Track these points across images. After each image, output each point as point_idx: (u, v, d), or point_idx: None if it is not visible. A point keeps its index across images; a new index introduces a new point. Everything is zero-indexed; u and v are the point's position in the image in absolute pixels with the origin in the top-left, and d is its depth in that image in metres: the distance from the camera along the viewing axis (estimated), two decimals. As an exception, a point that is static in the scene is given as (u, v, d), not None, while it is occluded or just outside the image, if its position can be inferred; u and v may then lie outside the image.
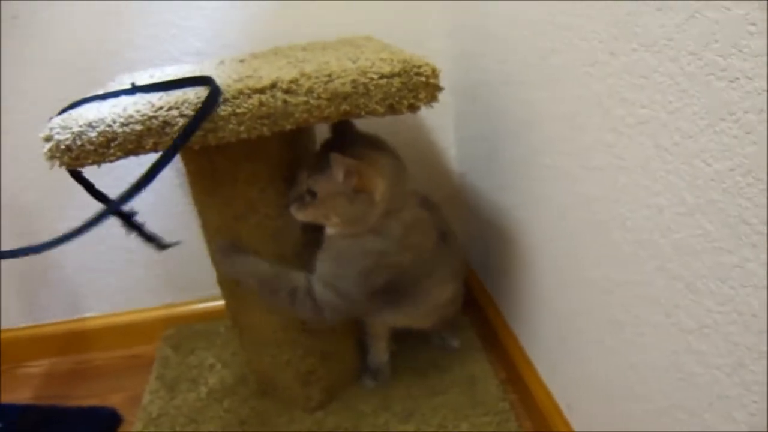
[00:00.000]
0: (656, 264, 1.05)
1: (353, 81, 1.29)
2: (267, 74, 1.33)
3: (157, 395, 2.05)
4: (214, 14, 1.98)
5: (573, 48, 1.21)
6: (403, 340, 2.02)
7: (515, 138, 1.64)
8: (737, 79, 0.78)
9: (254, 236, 1.61)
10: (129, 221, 1.62)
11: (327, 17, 2.00)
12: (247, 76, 1.34)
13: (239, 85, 1.28)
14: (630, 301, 1.17)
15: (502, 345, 1.96)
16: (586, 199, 1.26)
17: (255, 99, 1.26)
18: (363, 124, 1.56)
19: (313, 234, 1.63)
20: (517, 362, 1.85)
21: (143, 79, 1.53)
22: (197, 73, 1.40)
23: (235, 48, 1.99)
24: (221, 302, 2.18)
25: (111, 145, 1.26)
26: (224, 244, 1.67)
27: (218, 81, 1.30)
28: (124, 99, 1.37)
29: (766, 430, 0.87)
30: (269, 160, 1.54)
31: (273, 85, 1.27)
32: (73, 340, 2.42)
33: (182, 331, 2.40)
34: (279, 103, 1.27)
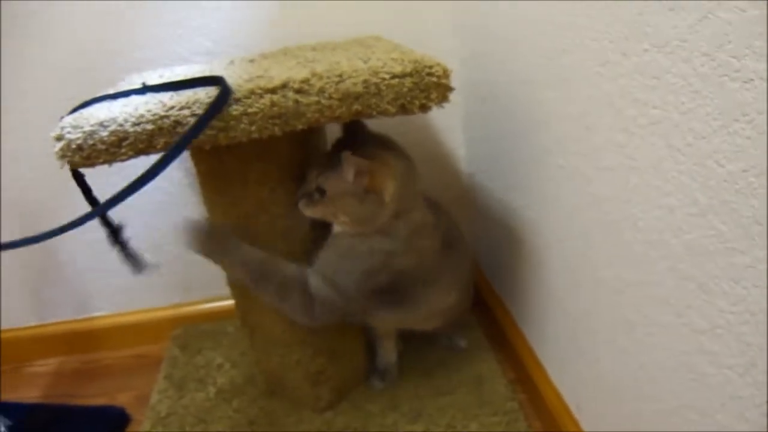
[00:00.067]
0: (668, 264, 1.05)
1: (365, 81, 1.29)
2: (278, 74, 1.33)
3: (165, 395, 2.05)
4: (223, 14, 1.99)
5: (584, 48, 1.21)
6: (410, 340, 2.02)
7: (525, 138, 1.64)
8: (751, 80, 0.78)
9: (264, 236, 1.60)
10: (115, 234, 1.61)
11: (335, 17, 2.01)
12: (258, 76, 1.34)
13: (250, 85, 1.28)
14: (641, 302, 1.17)
15: (511, 345, 1.96)
16: (597, 199, 1.27)
17: (266, 99, 1.26)
18: (372, 124, 1.56)
19: (321, 231, 1.63)
20: (526, 362, 1.85)
21: (153, 79, 1.53)
22: (207, 73, 1.40)
23: (244, 48, 2.00)
24: (229, 302, 2.19)
25: (122, 145, 1.26)
26: (217, 226, 1.65)
27: (229, 81, 1.30)
28: (135, 98, 1.37)
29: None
30: (280, 160, 1.54)
31: (284, 85, 1.27)
32: (81, 340, 2.42)
33: (190, 331, 2.40)
34: (290, 103, 1.27)
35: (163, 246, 2.29)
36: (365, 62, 1.35)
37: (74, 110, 1.37)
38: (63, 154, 1.28)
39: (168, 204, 2.24)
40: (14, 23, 1.92)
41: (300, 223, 1.60)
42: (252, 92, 1.27)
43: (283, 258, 1.59)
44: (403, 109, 1.33)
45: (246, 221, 1.59)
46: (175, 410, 1.98)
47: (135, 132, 1.25)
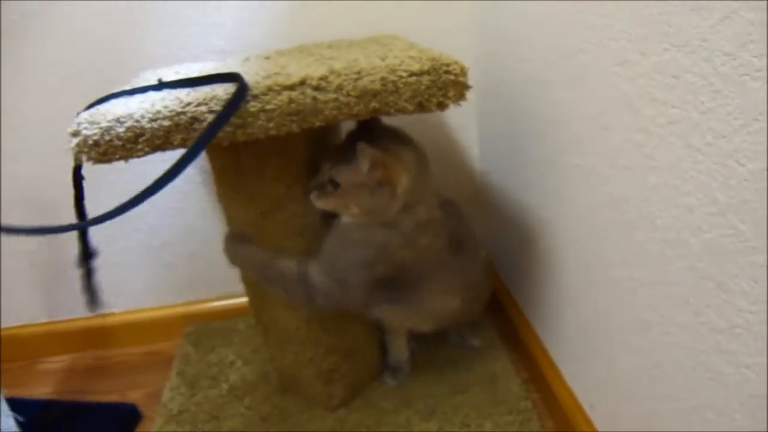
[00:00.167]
0: (685, 263, 1.05)
1: (383, 78, 1.29)
2: (295, 71, 1.33)
3: (177, 392, 2.06)
4: (236, 12, 1.99)
5: (601, 48, 1.21)
6: (423, 338, 2.01)
7: (540, 137, 1.64)
8: (773, 79, 0.79)
9: (280, 232, 1.61)
10: (86, 257, 1.61)
11: (349, 16, 2.01)
12: (276, 73, 1.34)
13: (268, 82, 1.28)
14: (657, 301, 1.16)
15: (524, 344, 1.96)
16: (614, 198, 1.26)
17: (284, 96, 1.26)
18: (386, 119, 1.56)
19: (328, 223, 1.64)
20: (539, 362, 1.85)
21: (169, 76, 1.53)
22: (223, 70, 1.40)
23: (258, 46, 1.99)
24: (241, 300, 2.19)
25: (139, 141, 1.27)
26: (233, 234, 1.70)
27: (246, 78, 1.30)
28: (152, 95, 1.37)
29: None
30: (296, 157, 1.55)
31: (302, 82, 1.27)
32: (93, 336, 2.42)
33: (202, 329, 2.41)
34: (308, 100, 1.27)
35: (175, 243, 2.30)
36: (383, 60, 1.35)
37: (90, 106, 1.36)
38: (79, 150, 1.28)
39: (181, 201, 2.24)
40: (21, 23, 1.93)
41: (317, 220, 1.61)
42: (270, 89, 1.26)
43: (298, 254, 1.61)
44: (421, 107, 1.33)
45: (262, 218, 1.60)
46: (187, 407, 1.98)
47: (152, 128, 1.25)
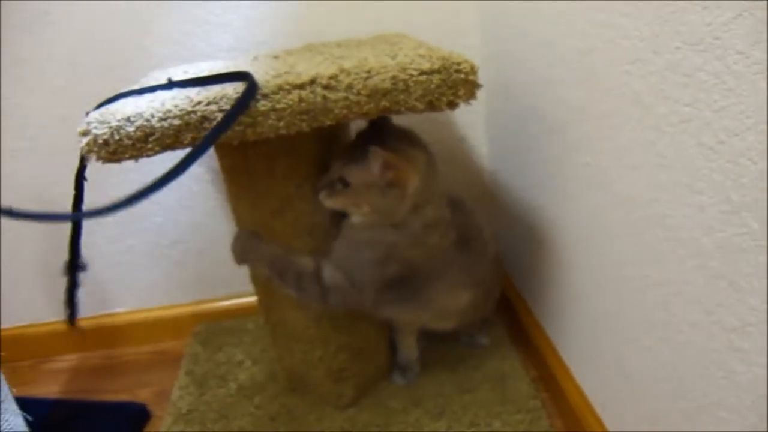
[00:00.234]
0: (697, 262, 1.05)
1: (393, 77, 1.29)
2: (305, 70, 1.33)
3: (186, 391, 2.06)
4: (244, 11, 1.99)
5: (613, 46, 1.21)
6: (432, 337, 2.01)
7: (549, 136, 1.64)
8: (787, 78, 0.78)
9: (290, 232, 1.61)
10: (73, 268, 1.60)
11: (356, 15, 2.01)
12: (285, 72, 1.34)
13: (278, 81, 1.28)
14: (668, 300, 1.16)
15: (533, 343, 1.96)
16: (625, 197, 1.26)
17: (294, 95, 1.26)
18: (395, 119, 1.56)
19: (338, 223, 1.65)
20: (548, 360, 1.85)
21: (178, 75, 1.53)
22: (232, 69, 1.40)
23: (265, 45, 2.00)
24: (249, 299, 2.20)
25: (149, 140, 1.27)
26: (244, 233, 1.70)
27: (256, 77, 1.29)
28: (162, 94, 1.37)
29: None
30: (306, 156, 1.55)
31: (312, 81, 1.27)
32: (102, 336, 2.43)
33: (210, 328, 2.41)
34: (318, 98, 1.27)
35: (184, 242, 2.30)
36: (393, 58, 1.35)
37: (100, 105, 1.37)
38: (89, 149, 1.28)
39: (190, 200, 2.24)
40: (27, 23, 1.93)
41: (326, 219, 1.61)
42: (280, 88, 1.26)
43: (305, 253, 1.61)
44: (431, 106, 1.33)
45: (271, 217, 1.60)
46: (196, 406, 1.98)
47: (162, 127, 1.26)
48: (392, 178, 1.46)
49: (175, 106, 1.26)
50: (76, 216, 1.27)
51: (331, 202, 1.55)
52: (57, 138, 2.05)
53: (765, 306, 0.90)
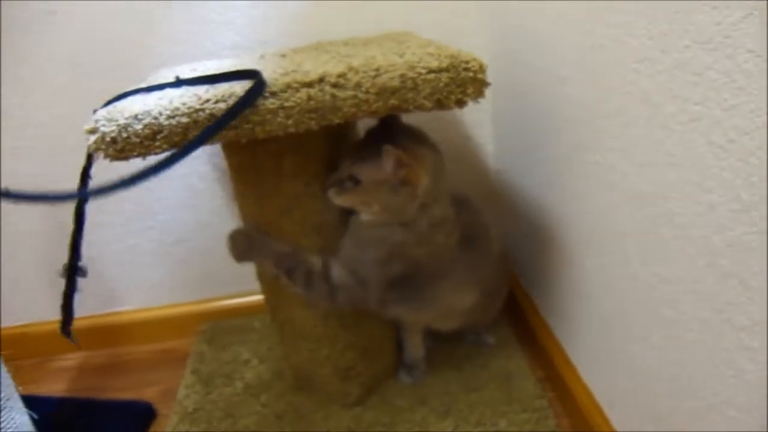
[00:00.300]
0: (707, 261, 1.05)
1: (401, 75, 1.29)
2: (313, 68, 1.33)
3: (192, 390, 2.06)
4: (249, 10, 1.99)
5: (621, 45, 1.21)
6: (438, 336, 2.01)
7: (557, 134, 1.64)
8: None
9: (297, 230, 1.61)
10: (72, 270, 1.60)
11: (362, 14, 2.01)
12: (293, 71, 1.34)
13: (286, 79, 1.28)
14: (678, 298, 1.16)
15: (540, 343, 1.96)
16: (634, 195, 1.26)
17: (303, 93, 1.26)
18: (403, 117, 1.57)
19: (346, 222, 1.65)
20: (555, 360, 1.85)
21: (186, 73, 1.53)
22: (240, 67, 1.40)
23: (270, 44, 2.00)
24: (255, 298, 2.21)
25: (157, 138, 1.27)
26: (243, 230, 1.70)
27: (264, 75, 1.30)
28: (170, 92, 1.37)
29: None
30: (314, 154, 1.55)
31: (321, 79, 1.27)
32: (107, 334, 2.43)
33: (216, 327, 2.41)
34: (327, 97, 1.27)
35: (189, 240, 2.30)
36: (401, 57, 1.35)
37: (108, 103, 1.37)
38: (97, 147, 1.28)
39: (195, 199, 2.24)
40: (31, 22, 1.94)
41: (333, 217, 1.61)
42: (288, 86, 1.26)
43: (313, 251, 1.61)
44: (440, 104, 1.33)
45: (279, 215, 1.60)
46: (202, 405, 1.99)
47: (170, 125, 1.25)
48: (404, 176, 1.46)
49: (183, 104, 1.26)
50: (76, 195, 1.26)
51: (340, 200, 1.55)
52: (58, 137, 2.06)
53: (775, 304, 0.91)
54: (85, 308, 2.31)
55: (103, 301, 2.39)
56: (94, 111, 1.32)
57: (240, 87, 1.28)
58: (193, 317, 2.44)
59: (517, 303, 2.14)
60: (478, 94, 1.35)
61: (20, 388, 1.60)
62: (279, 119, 1.27)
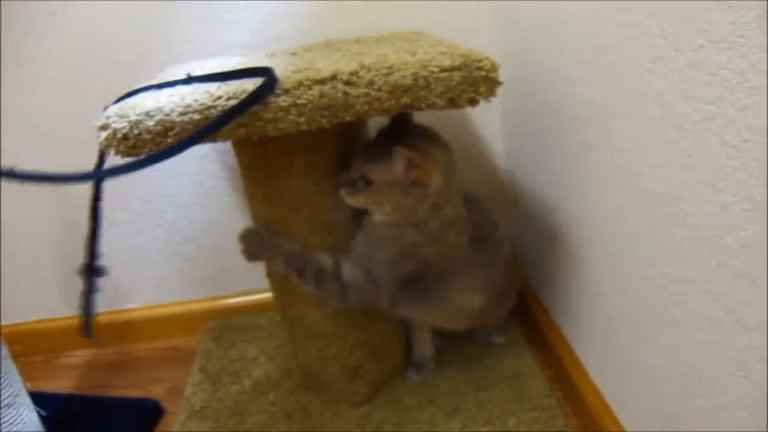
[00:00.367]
0: (719, 261, 1.05)
1: (414, 74, 1.29)
2: (325, 66, 1.33)
3: (200, 387, 2.06)
4: (259, 8, 1.99)
5: (634, 45, 1.21)
6: (447, 335, 2.02)
7: (567, 134, 1.64)
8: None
9: (307, 229, 1.61)
10: (91, 271, 1.60)
11: (371, 13, 2.01)
12: (305, 68, 1.34)
13: (298, 77, 1.28)
14: (688, 298, 1.16)
15: (548, 342, 1.96)
16: (646, 195, 1.26)
17: (315, 90, 1.26)
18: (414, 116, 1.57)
19: (358, 221, 1.65)
20: (563, 359, 1.85)
21: (196, 70, 1.53)
22: (251, 65, 1.40)
23: (281, 42, 2.00)
24: (262, 296, 2.21)
25: (168, 135, 1.26)
26: (254, 229, 1.69)
27: (276, 72, 1.30)
28: (181, 89, 1.37)
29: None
30: (325, 152, 1.55)
31: (333, 77, 1.27)
32: (115, 331, 2.43)
33: (223, 324, 2.41)
34: (339, 94, 1.27)
35: (197, 238, 2.30)
36: (413, 55, 1.35)
37: (119, 100, 1.37)
38: (108, 144, 1.28)
39: (203, 197, 2.25)
40: (52, 19, 1.94)
41: (345, 216, 1.62)
42: (300, 83, 1.26)
43: (324, 251, 1.61)
44: (452, 103, 1.33)
45: (289, 213, 1.60)
46: (209, 403, 1.99)
47: (182, 122, 1.25)
48: (415, 177, 1.46)
49: (195, 101, 1.26)
50: (81, 178, 1.25)
51: (352, 200, 1.56)
52: (58, 137, 2.06)
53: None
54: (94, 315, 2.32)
55: (110, 298, 2.39)
56: (105, 107, 1.32)
57: (252, 84, 1.27)
58: (200, 315, 2.45)
59: (525, 303, 2.14)
60: (490, 93, 1.35)
61: (28, 384, 1.60)
62: (291, 116, 1.27)
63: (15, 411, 1.55)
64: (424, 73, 1.29)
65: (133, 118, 1.25)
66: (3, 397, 1.51)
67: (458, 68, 1.30)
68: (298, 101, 1.26)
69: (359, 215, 1.63)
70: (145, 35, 1.99)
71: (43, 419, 1.69)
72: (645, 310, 1.35)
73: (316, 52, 1.60)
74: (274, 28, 2.01)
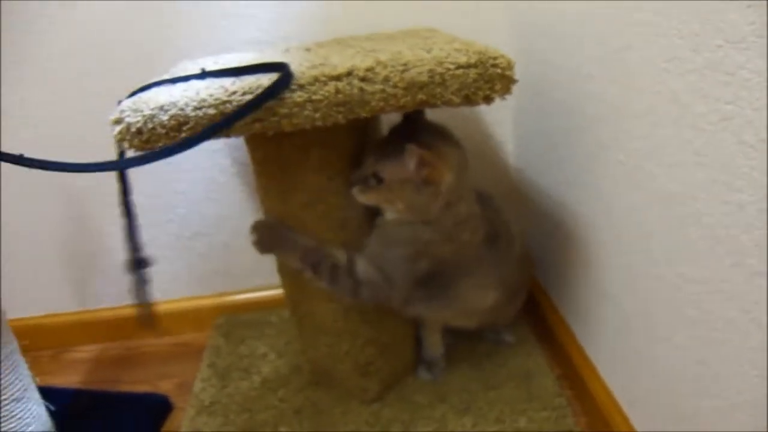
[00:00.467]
0: (735, 260, 1.05)
1: (430, 71, 1.29)
2: (340, 62, 1.33)
3: (209, 383, 2.06)
4: (269, 5, 1.99)
5: (650, 44, 1.21)
6: (458, 333, 2.02)
7: (580, 133, 1.64)
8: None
9: (320, 225, 1.61)
10: (138, 264, 1.60)
11: (383, 10, 2.01)
12: (320, 64, 1.34)
13: (314, 72, 1.28)
14: (703, 298, 1.16)
15: (558, 340, 1.96)
16: (660, 195, 1.26)
17: (331, 86, 1.26)
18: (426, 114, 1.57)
19: (371, 218, 1.65)
20: (573, 358, 1.85)
21: (209, 66, 1.53)
22: (265, 60, 1.40)
23: (293, 38, 2.01)
24: (272, 292, 2.21)
25: (183, 129, 1.27)
26: (268, 221, 1.69)
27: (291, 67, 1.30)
28: (195, 83, 1.37)
29: None
30: (339, 148, 1.55)
31: (349, 73, 1.27)
32: (124, 326, 2.43)
33: (232, 320, 2.41)
34: (355, 90, 1.27)
35: (208, 234, 2.30)
36: (428, 52, 1.35)
37: (132, 94, 1.37)
38: (122, 138, 1.28)
39: (215, 192, 2.25)
40: (67, 13, 1.94)
41: (358, 213, 1.62)
42: (316, 79, 1.26)
43: (338, 247, 1.61)
44: (468, 100, 1.33)
45: (302, 210, 1.60)
46: (218, 399, 1.99)
47: (196, 116, 1.25)
48: (427, 175, 1.46)
49: (210, 95, 1.26)
50: (89, 167, 1.24)
51: (364, 198, 1.56)
52: (57, 137, 2.05)
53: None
54: (102, 301, 2.32)
55: (119, 293, 2.39)
56: (119, 102, 1.32)
57: (267, 80, 1.28)
58: (209, 311, 2.45)
59: (535, 301, 2.14)
60: (506, 90, 1.35)
61: (37, 379, 1.60)
62: (306, 112, 1.27)
63: (24, 405, 1.56)
64: (439, 69, 1.29)
65: (147, 112, 1.26)
66: (13, 391, 1.52)
67: (474, 65, 1.30)
68: (314, 97, 1.26)
69: (372, 213, 1.63)
70: (144, 35, 1.99)
71: (52, 414, 1.69)
72: (659, 309, 1.35)
73: (329, 49, 1.60)
74: (284, 25, 2.02)
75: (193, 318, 2.44)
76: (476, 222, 1.63)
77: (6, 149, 1.25)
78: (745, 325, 1.05)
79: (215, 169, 2.20)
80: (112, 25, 1.97)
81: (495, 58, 1.32)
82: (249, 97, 1.24)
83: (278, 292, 1.88)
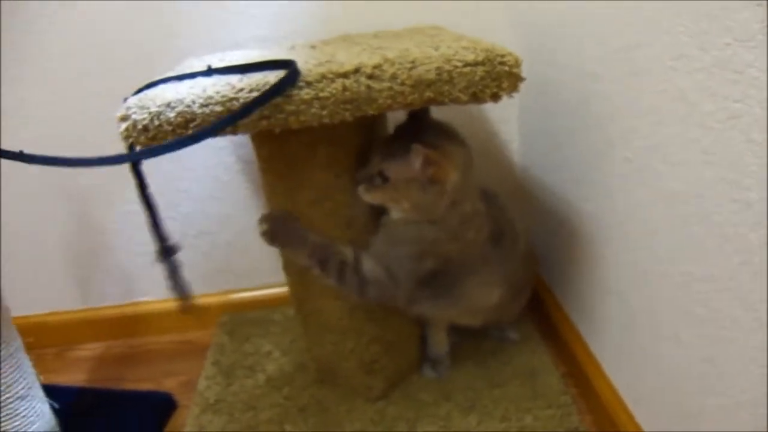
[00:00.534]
0: (742, 258, 1.05)
1: (438, 68, 1.29)
2: (347, 59, 1.33)
3: (213, 381, 2.06)
4: (274, 2, 1.99)
5: (657, 42, 1.21)
6: (462, 331, 2.01)
7: (587, 132, 1.64)
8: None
9: (326, 222, 1.61)
10: (166, 252, 1.60)
11: (388, 8, 2.01)
12: (327, 61, 1.34)
13: (321, 70, 1.28)
14: (710, 296, 1.16)
15: (563, 339, 1.96)
16: (667, 193, 1.26)
17: (338, 83, 1.26)
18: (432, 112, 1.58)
19: (378, 216, 1.65)
20: (578, 356, 1.85)
21: (215, 63, 1.52)
22: (271, 57, 1.40)
23: (298, 36, 2.00)
24: (277, 290, 2.21)
25: (189, 126, 1.27)
26: (279, 214, 1.68)
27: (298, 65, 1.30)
28: (202, 80, 1.37)
29: None
30: (345, 146, 1.55)
31: (357, 70, 1.27)
32: (127, 324, 2.43)
33: (236, 318, 2.41)
34: (363, 88, 1.27)
35: (212, 232, 2.30)
36: (436, 50, 1.35)
37: (139, 91, 1.37)
38: (128, 135, 1.29)
39: (220, 190, 2.25)
40: (69, 11, 1.94)
41: (363, 210, 1.61)
42: (323, 76, 1.26)
43: (344, 244, 1.61)
44: (475, 98, 1.33)
45: (308, 207, 1.60)
46: (223, 397, 1.99)
47: (203, 113, 1.26)
48: (433, 174, 1.46)
49: (217, 93, 1.26)
50: (91, 162, 1.24)
51: (369, 197, 1.56)
52: (57, 137, 2.02)
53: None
54: (105, 298, 2.32)
55: (123, 291, 2.40)
56: (125, 99, 1.32)
57: (274, 77, 1.27)
58: (213, 309, 2.45)
59: (539, 298, 2.14)
60: (513, 88, 1.36)
61: (41, 377, 1.60)
62: (314, 109, 1.27)
63: (28, 403, 1.56)
64: (447, 67, 1.29)
65: (154, 109, 1.26)
66: (17, 389, 1.52)
67: (482, 63, 1.31)
68: (321, 94, 1.26)
69: (379, 211, 1.63)
70: (145, 35, 2.00)
71: (56, 412, 1.69)
72: (666, 307, 1.35)
73: (336, 46, 1.60)
74: (288, 22, 2.02)
75: (198, 316, 2.43)
76: (481, 220, 1.63)
77: (6, 149, 1.25)
78: (749, 323, 1.05)
79: (219, 168, 2.20)
80: (112, 25, 1.97)
81: (502, 56, 1.32)
82: (256, 94, 1.24)
83: (283, 289, 1.89)
